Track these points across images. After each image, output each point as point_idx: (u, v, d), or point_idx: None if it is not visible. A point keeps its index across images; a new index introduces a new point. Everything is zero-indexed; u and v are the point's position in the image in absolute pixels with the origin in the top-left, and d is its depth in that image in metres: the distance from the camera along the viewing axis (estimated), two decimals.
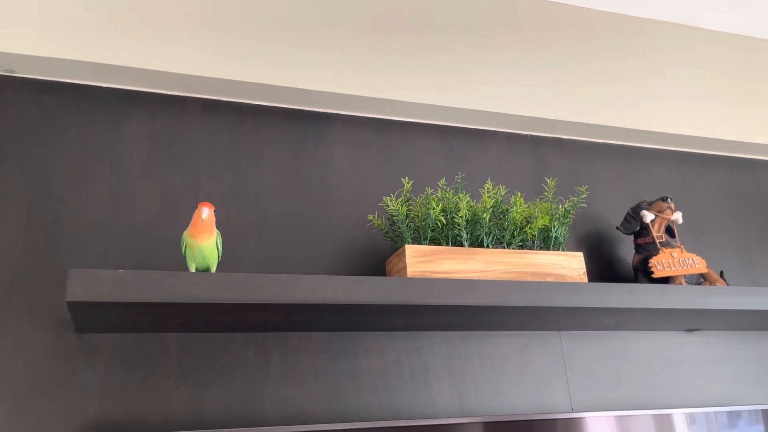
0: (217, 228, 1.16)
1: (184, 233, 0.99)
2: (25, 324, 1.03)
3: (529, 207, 1.23)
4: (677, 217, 1.37)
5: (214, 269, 1.00)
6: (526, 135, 1.53)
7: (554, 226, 1.21)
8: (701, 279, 1.34)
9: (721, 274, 1.38)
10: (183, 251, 0.99)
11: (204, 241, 0.97)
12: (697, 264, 1.31)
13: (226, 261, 1.16)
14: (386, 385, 1.18)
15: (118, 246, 1.12)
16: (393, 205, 1.15)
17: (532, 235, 1.20)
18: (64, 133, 1.17)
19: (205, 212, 0.97)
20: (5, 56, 1.13)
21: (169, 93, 1.26)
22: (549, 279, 1.16)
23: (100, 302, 0.87)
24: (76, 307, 0.89)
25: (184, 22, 1.26)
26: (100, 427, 1.00)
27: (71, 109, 1.19)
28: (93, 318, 0.95)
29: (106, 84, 1.23)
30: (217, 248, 1.00)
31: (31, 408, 0.99)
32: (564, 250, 1.23)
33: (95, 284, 0.86)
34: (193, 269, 0.99)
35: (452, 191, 1.18)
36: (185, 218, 1.17)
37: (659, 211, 1.36)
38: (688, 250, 1.50)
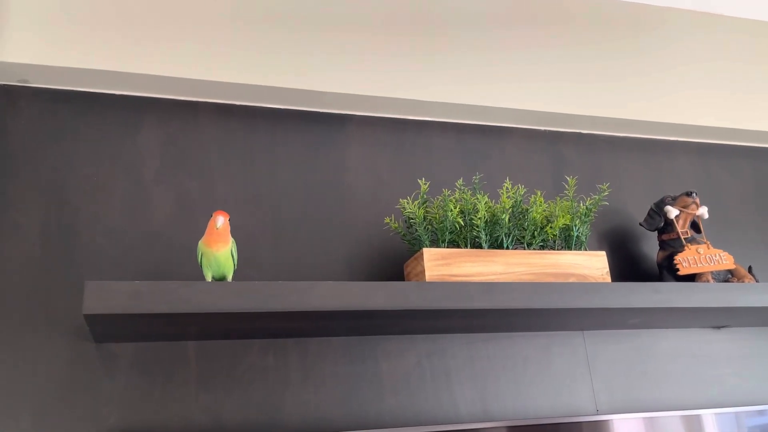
0: (233, 233, 1.15)
1: (200, 242, 0.98)
2: (44, 334, 1.03)
3: (549, 206, 1.20)
4: (703, 212, 1.33)
5: (230, 277, 1.00)
6: (545, 131, 1.50)
7: (575, 225, 1.18)
8: (729, 275, 1.30)
9: (750, 270, 1.34)
10: (199, 260, 0.98)
11: (219, 249, 0.97)
12: (724, 260, 1.28)
13: (242, 267, 1.15)
14: (407, 388, 1.16)
15: (135, 253, 1.12)
16: (410, 208, 1.13)
17: (553, 235, 1.18)
18: (77, 142, 1.17)
19: (220, 221, 0.96)
20: (18, 67, 1.13)
21: (182, 98, 1.25)
22: (571, 279, 1.14)
23: (117, 314, 0.86)
24: (93, 319, 0.89)
25: (194, 27, 1.25)
26: None
27: (84, 118, 1.19)
28: (111, 328, 0.95)
29: (118, 91, 1.22)
30: (233, 256, 0.99)
31: (52, 418, 0.99)
32: (586, 249, 1.20)
33: (111, 296, 0.86)
34: (209, 278, 0.98)
35: (470, 192, 1.16)
36: (201, 223, 1.16)
37: (684, 206, 1.32)
38: (715, 246, 1.46)
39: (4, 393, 0.98)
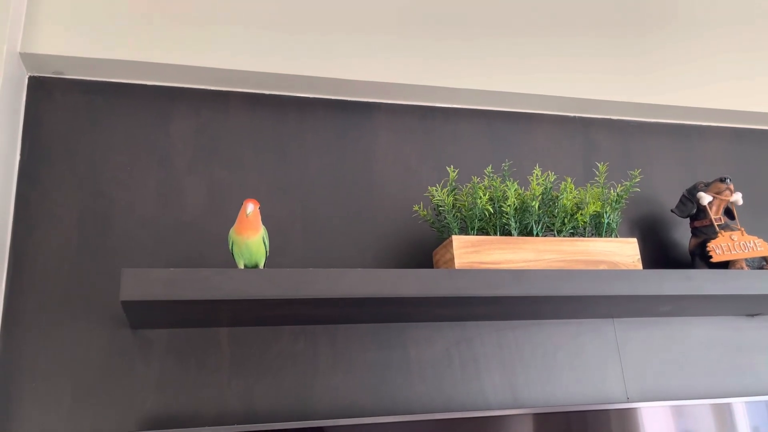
0: (264, 222, 1.16)
1: (231, 230, 0.99)
2: (82, 321, 1.06)
3: (579, 193, 1.19)
4: (737, 198, 1.31)
5: (262, 265, 1.01)
6: (575, 117, 1.48)
7: (606, 212, 1.17)
8: (764, 262, 1.28)
9: None
10: (230, 248, 0.99)
11: (250, 237, 0.98)
12: (758, 247, 1.25)
13: (273, 255, 1.17)
14: (436, 375, 1.17)
15: (168, 242, 1.14)
16: (439, 195, 1.13)
17: (584, 222, 1.17)
18: (112, 132, 1.19)
19: (250, 208, 0.97)
20: (53, 59, 1.16)
21: (213, 88, 1.27)
22: (602, 267, 1.13)
23: (153, 300, 0.88)
24: (130, 306, 0.91)
25: (224, 17, 1.26)
26: (158, 420, 1.03)
27: (118, 108, 1.21)
28: (147, 315, 0.97)
29: (151, 82, 1.24)
30: (264, 244, 1.00)
31: (90, 403, 1.02)
32: (617, 236, 1.19)
33: (148, 283, 0.88)
34: (241, 266, 0.99)
35: (499, 179, 1.16)
36: (232, 212, 1.18)
37: (717, 193, 1.30)
38: (749, 233, 1.44)
39: (45, 377, 1.01)
